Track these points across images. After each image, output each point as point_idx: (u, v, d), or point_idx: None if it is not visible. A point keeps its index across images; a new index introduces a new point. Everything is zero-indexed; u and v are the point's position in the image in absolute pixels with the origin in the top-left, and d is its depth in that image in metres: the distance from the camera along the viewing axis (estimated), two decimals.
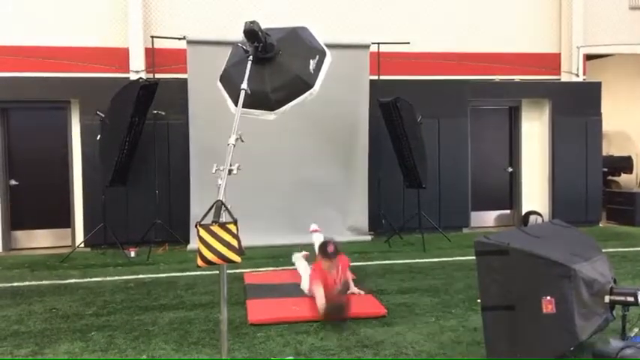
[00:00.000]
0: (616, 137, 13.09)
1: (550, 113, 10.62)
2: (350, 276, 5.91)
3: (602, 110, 10.73)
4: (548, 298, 3.70)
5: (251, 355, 4.24)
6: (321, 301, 5.11)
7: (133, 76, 9.06)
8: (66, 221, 9.29)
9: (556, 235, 4.47)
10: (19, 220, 9.25)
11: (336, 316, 4.91)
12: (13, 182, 9.18)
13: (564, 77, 10.96)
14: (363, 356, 4.23)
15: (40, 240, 9.31)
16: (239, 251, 3.31)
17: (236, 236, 3.29)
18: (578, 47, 10.83)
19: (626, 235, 9.68)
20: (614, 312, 4.00)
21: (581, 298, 3.73)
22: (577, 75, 10.88)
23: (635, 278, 6.37)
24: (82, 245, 8.68)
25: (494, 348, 3.91)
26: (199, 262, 3.27)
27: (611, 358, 3.70)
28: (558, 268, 3.72)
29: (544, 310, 3.73)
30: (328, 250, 5.42)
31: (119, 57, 9.35)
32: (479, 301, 4.09)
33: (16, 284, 6.74)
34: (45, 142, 9.31)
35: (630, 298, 3.80)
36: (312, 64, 4.12)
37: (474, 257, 4.05)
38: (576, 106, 10.49)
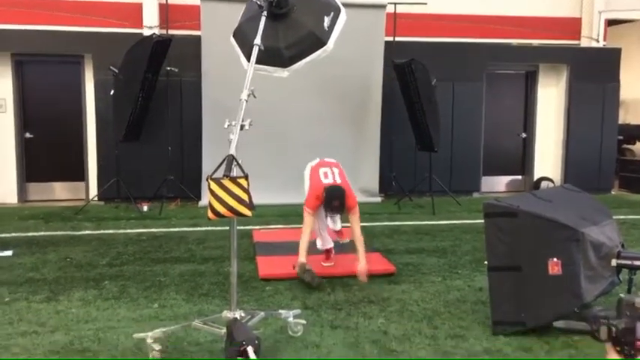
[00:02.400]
0: (633, 105, 12.88)
1: (567, 79, 10.47)
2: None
3: (621, 77, 10.55)
4: (555, 259, 3.73)
5: (260, 307, 4.33)
6: (301, 256, 4.97)
7: (146, 32, 9.02)
8: (80, 175, 9.41)
9: (566, 199, 4.47)
10: (34, 173, 9.38)
11: (306, 277, 4.86)
12: (27, 135, 9.28)
13: (584, 42, 10.74)
14: (369, 311, 4.32)
15: (54, 192, 9.46)
16: (249, 205, 3.35)
17: (247, 190, 3.33)
18: (599, 12, 10.58)
19: (638, 203, 9.64)
20: (620, 276, 4.03)
21: (588, 260, 3.75)
22: (597, 40, 10.65)
23: None
24: (96, 199, 8.80)
25: (498, 307, 3.97)
26: (210, 214, 3.32)
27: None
28: (567, 231, 3.74)
29: (550, 272, 3.76)
30: (334, 204, 4.96)
31: (133, 12, 9.28)
32: (486, 262, 4.13)
33: (31, 234, 6.89)
34: (59, 96, 9.37)
35: (637, 262, 3.81)
36: (327, 20, 4.07)
37: (482, 221, 4.07)
38: (594, 73, 10.31)
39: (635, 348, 1.17)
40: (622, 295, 1.22)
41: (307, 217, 5.07)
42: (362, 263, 4.93)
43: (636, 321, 1.18)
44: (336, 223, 5.63)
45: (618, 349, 1.20)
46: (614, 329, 1.20)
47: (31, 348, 3.64)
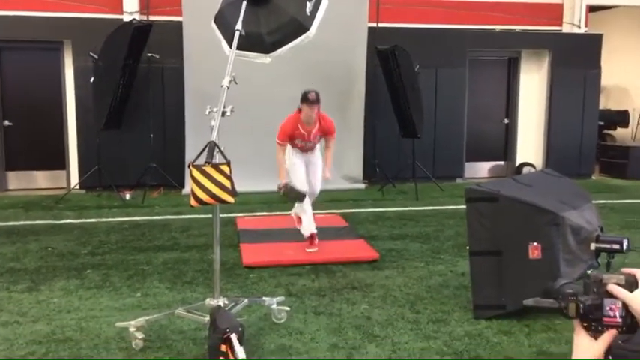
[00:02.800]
0: (614, 91, 13.02)
1: (549, 65, 10.53)
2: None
3: (602, 63, 10.63)
4: (535, 243, 3.78)
5: (243, 294, 4.34)
6: (283, 178, 5.38)
7: (126, 18, 8.88)
8: (61, 163, 9.30)
9: (547, 184, 4.52)
10: (14, 161, 9.24)
11: (290, 194, 5.32)
12: (6, 123, 9.12)
13: (565, 28, 10.80)
14: (352, 297, 4.34)
15: (34, 181, 9.33)
16: (232, 192, 3.35)
17: (229, 177, 3.32)
18: None
19: (618, 188, 9.78)
20: (599, 259, 4.09)
21: (568, 244, 3.81)
22: (578, 26, 10.72)
23: (622, 229, 6.47)
24: (77, 187, 8.71)
25: (480, 291, 4.01)
26: (192, 202, 3.31)
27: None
28: (546, 215, 3.78)
29: (530, 256, 3.81)
30: (309, 97, 5.28)
31: None
32: (467, 247, 4.17)
33: (11, 223, 6.81)
34: (39, 83, 9.21)
35: (616, 246, 3.86)
36: (309, 6, 4.05)
37: (465, 206, 4.10)
38: (576, 59, 10.38)
39: (602, 324, 1.19)
40: (589, 271, 1.24)
41: (278, 148, 5.50)
42: (326, 168, 5.61)
43: (603, 297, 1.19)
44: (315, 173, 5.73)
45: (585, 324, 1.20)
46: (581, 306, 1.20)
47: (13, 338, 3.61)
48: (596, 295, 1.20)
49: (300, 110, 5.44)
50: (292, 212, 6.03)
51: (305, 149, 5.60)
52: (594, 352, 1.19)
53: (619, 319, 1.18)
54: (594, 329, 1.20)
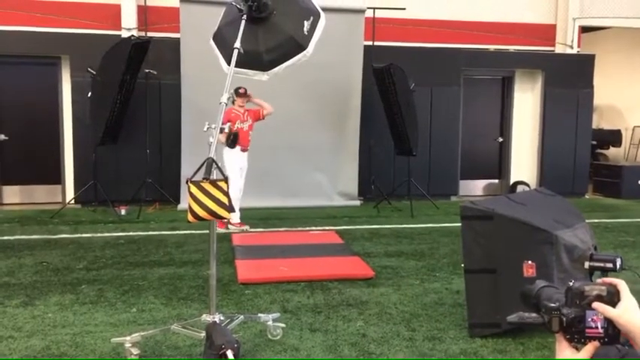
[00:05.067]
0: (607, 111, 13.17)
1: (542, 84, 10.66)
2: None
3: (595, 83, 10.77)
4: (530, 262, 3.80)
5: (239, 311, 4.33)
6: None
7: (124, 34, 8.96)
8: (56, 178, 9.30)
9: (540, 203, 4.56)
10: (9, 176, 9.24)
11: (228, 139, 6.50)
12: (2, 137, 9.14)
13: (558, 49, 10.95)
14: (348, 314, 4.35)
15: (29, 195, 9.32)
16: (229, 208, 3.37)
17: (226, 193, 3.35)
18: (573, 19, 10.80)
19: (611, 207, 9.84)
20: (593, 278, 4.12)
21: (562, 263, 3.83)
22: (571, 47, 10.87)
23: (616, 248, 6.52)
24: (73, 202, 8.71)
25: (475, 310, 4.02)
26: (190, 217, 3.33)
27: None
28: (540, 234, 3.81)
29: (525, 274, 3.83)
30: (240, 91, 7.21)
31: (111, 14, 9.22)
32: (463, 265, 4.19)
33: (6, 238, 6.79)
34: (36, 97, 9.25)
35: (609, 265, 3.89)
36: (307, 25, 4.11)
37: (460, 224, 4.13)
38: (569, 79, 10.52)
39: (584, 335, 1.20)
40: (570, 283, 1.24)
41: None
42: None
43: (585, 309, 1.20)
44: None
45: (568, 337, 1.21)
46: (564, 319, 1.21)
47: (7, 353, 3.60)
48: (579, 308, 1.21)
49: (233, 102, 7.26)
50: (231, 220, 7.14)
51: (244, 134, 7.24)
52: None
53: (601, 330, 1.19)
54: (577, 341, 1.20)
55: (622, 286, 1.21)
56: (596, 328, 1.19)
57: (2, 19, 8.88)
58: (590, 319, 1.19)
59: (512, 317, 1.31)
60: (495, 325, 3.93)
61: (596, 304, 1.18)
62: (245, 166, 7.50)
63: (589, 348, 1.20)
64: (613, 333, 1.18)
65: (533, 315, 1.28)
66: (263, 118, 7.56)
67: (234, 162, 7.25)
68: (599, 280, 1.23)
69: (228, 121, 6.73)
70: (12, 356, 3.56)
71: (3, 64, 9.15)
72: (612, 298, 1.19)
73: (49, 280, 5.14)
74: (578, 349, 1.20)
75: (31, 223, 7.70)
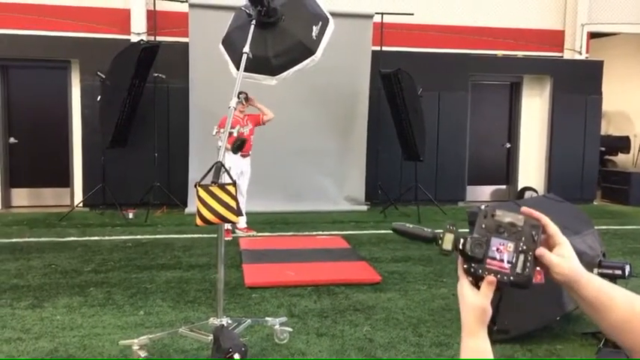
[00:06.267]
0: (615, 117, 13.11)
1: (551, 90, 10.63)
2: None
3: (603, 89, 10.73)
4: (538, 268, 3.78)
5: (246, 314, 4.34)
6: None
7: (133, 38, 9.01)
8: (65, 181, 9.35)
9: (548, 209, 4.52)
10: (18, 178, 9.30)
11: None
12: (12, 140, 9.21)
13: (567, 55, 10.92)
14: (354, 319, 4.34)
15: (38, 198, 9.38)
16: (237, 212, 3.39)
17: (234, 197, 3.36)
18: (582, 25, 10.77)
19: (619, 213, 9.79)
20: None
21: None
22: (580, 53, 10.84)
23: (625, 255, 6.48)
24: (81, 205, 8.75)
25: None
26: (198, 221, 3.35)
27: None
28: None
29: (533, 281, 3.81)
30: (240, 96, 6.79)
31: (121, 18, 9.28)
32: None
33: (14, 240, 6.83)
34: (45, 101, 9.32)
35: (618, 272, 3.88)
36: (315, 30, 4.13)
37: (467, 230, 4.11)
38: (577, 84, 10.49)
39: (483, 267, 0.95)
40: (483, 206, 1.02)
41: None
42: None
43: (492, 235, 0.96)
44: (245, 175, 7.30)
45: (466, 267, 0.97)
46: (461, 239, 0.96)
47: (16, 354, 3.62)
48: (484, 231, 0.97)
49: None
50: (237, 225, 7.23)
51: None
52: (476, 306, 0.96)
53: (506, 265, 0.94)
54: (474, 273, 0.96)
55: (552, 226, 0.99)
56: (501, 260, 0.94)
57: (13, 23, 8.96)
58: (494, 248, 0.95)
59: (397, 224, 1.06)
60: (503, 332, 3.92)
61: (539, 251, 0.96)
62: (247, 170, 7.40)
63: (485, 289, 0.95)
64: (523, 274, 0.94)
65: (426, 229, 1.03)
66: (263, 124, 7.49)
67: (234, 167, 7.16)
68: (522, 209, 0.99)
69: (232, 126, 6.67)
70: (20, 358, 3.57)
71: (13, 67, 9.23)
72: (531, 233, 0.95)
73: (58, 282, 5.17)
74: (478, 287, 0.97)
75: (39, 225, 7.74)
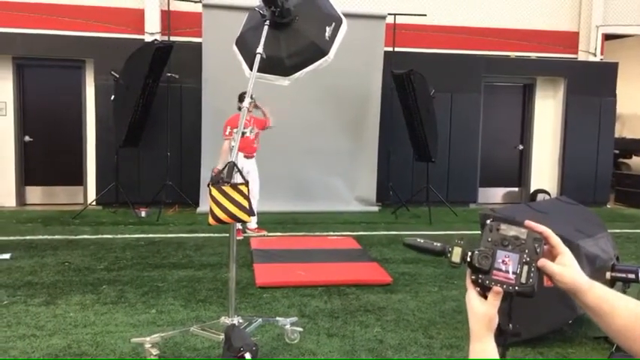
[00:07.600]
0: (630, 119, 12.99)
1: (565, 92, 10.56)
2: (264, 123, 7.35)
3: (618, 91, 10.64)
4: None
5: (257, 314, 4.36)
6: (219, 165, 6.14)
7: (147, 38, 9.08)
8: (78, 179, 9.44)
9: (562, 211, 4.52)
10: (33, 176, 9.40)
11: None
12: (27, 138, 9.31)
13: (581, 56, 10.84)
14: (365, 320, 4.35)
15: (52, 196, 9.47)
16: (249, 211, 3.40)
17: (247, 197, 3.38)
18: (597, 26, 10.69)
19: (633, 217, 9.70)
20: (614, 289, 4.06)
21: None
22: (594, 54, 10.76)
23: (638, 259, 6.43)
24: (94, 203, 8.82)
25: None
26: (210, 220, 3.37)
27: None
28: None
29: (545, 284, 3.78)
30: (242, 95, 6.62)
31: (135, 18, 9.35)
32: None
33: (29, 238, 6.90)
34: (59, 100, 9.41)
35: (631, 275, 3.84)
36: (328, 31, 4.13)
37: (479, 232, 4.11)
38: (591, 86, 10.41)
39: (490, 278, 1.02)
40: (489, 221, 1.09)
41: (224, 143, 6.83)
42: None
43: (497, 247, 1.03)
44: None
45: (473, 277, 1.03)
46: (468, 252, 1.04)
47: (29, 351, 3.66)
48: (490, 244, 1.04)
49: (239, 108, 6.78)
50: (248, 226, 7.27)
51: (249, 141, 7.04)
52: (483, 315, 1.02)
53: (511, 276, 1.01)
54: (482, 283, 1.02)
55: (554, 238, 1.06)
56: (506, 272, 1.01)
57: (28, 22, 9.06)
58: (500, 260, 1.02)
59: (408, 239, 1.15)
60: (514, 335, 3.89)
61: (541, 262, 1.02)
62: (252, 168, 7.21)
63: (492, 299, 1.01)
64: (527, 283, 1.00)
65: (436, 243, 1.10)
66: (270, 128, 7.41)
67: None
68: (525, 222, 1.07)
69: (234, 127, 6.58)
70: (34, 354, 3.62)
71: (28, 66, 9.33)
72: (534, 245, 1.03)
73: (71, 279, 5.22)
74: (485, 297, 1.03)
75: (53, 223, 7.82)
